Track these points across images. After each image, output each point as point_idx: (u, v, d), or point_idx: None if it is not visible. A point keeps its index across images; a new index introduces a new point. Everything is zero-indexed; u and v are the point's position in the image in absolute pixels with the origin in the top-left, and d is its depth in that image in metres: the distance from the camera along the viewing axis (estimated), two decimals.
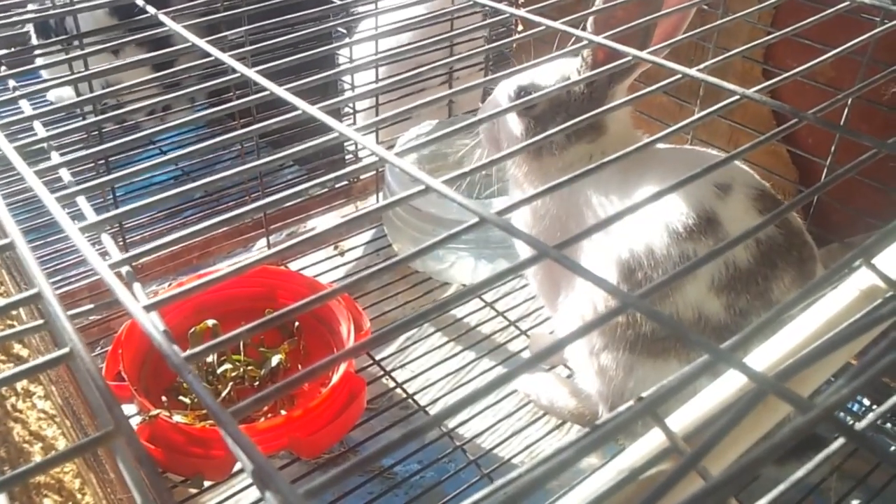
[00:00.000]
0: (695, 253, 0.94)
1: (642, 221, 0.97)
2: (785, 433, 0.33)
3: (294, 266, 1.56)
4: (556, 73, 1.13)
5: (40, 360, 0.38)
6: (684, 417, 0.51)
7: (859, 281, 0.58)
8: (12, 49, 0.86)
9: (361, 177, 1.81)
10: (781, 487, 0.38)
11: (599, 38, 0.68)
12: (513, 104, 0.62)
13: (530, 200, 0.47)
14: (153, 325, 0.39)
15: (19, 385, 0.68)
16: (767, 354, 0.54)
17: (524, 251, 1.23)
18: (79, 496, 0.61)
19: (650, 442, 0.49)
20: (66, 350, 0.38)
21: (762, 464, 0.33)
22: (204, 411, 1.16)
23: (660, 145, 1.14)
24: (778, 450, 0.33)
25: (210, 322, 1.25)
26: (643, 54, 0.62)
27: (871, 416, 0.42)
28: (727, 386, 0.52)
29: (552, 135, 0.54)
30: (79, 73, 0.72)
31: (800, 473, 0.38)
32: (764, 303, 0.94)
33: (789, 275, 0.96)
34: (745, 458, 0.34)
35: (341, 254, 1.72)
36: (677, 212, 0.96)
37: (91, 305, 0.47)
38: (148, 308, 0.40)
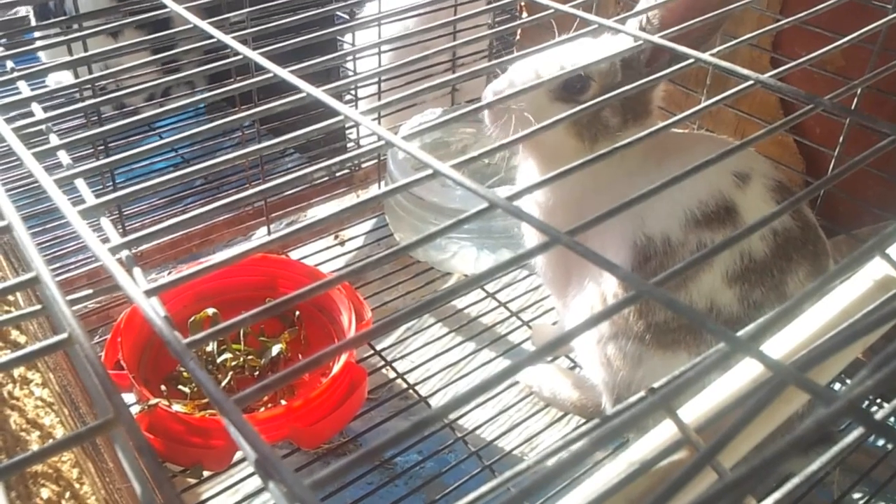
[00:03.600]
0: (712, 242, 0.93)
1: (658, 207, 0.96)
2: (808, 425, 0.32)
3: (294, 256, 1.55)
4: (577, 57, 1.01)
5: (38, 345, 0.37)
6: (696, 409, 0.50)
7: (873, 271, 0.57)
8: (10, 31, 0.85)
9: (363, 165, 1.79)
10: (796, 480, 0.37)
11: (609, 22, 0.66)
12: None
13: (543, 185, 0.46)
14: (154, 310, 0.38)
15: (16, 372, 0.67)
16: (781, 345, 0.53)
17: (532, 241, 1.20)
18: (77, 486, 0.60)
19: (661, 434, 0.48)
20: (64, 335, 0.37)
21: (784, 458, 0.32)
22: (204, 400, 1.15)
23: (676, 131, 1.10)
24: (801, 442, 0.32)
25: (210, 311, 1.24)
26: (655, 38, 0.61)
27: (888, 406, 0.41)
28: (738, 377, 0.51)
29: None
30: (77, 56, 0.70)
31: (814, 466, 0.37)
32: (778, 295, 0.93)
33: (804, 268, 0.95)
34: (766, 452, 0.33)
35: (342, 243, 1.71)
36: (696, 199, 0.95)
37: (90, 290, 0.46)
38: (149, 293, 0.39)
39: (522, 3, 1.56)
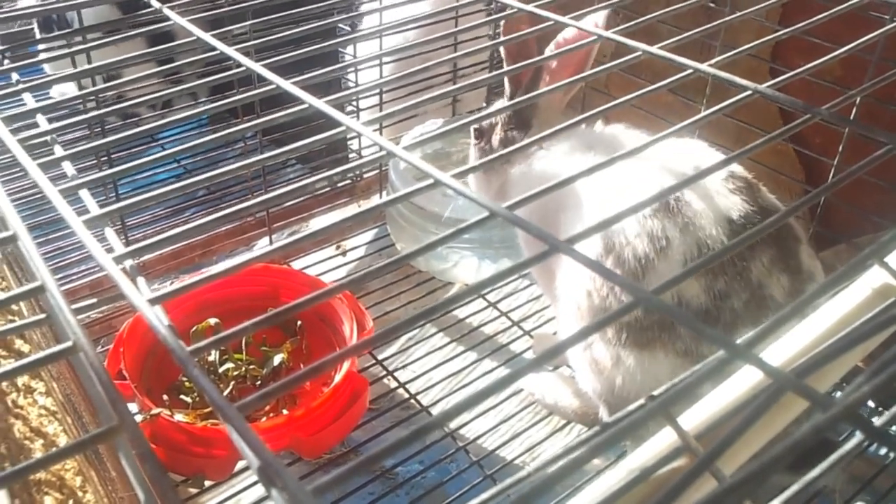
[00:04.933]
0: (662, 230, 0.94)
1: (615, 202, 0.96)
2: (805, 430, 0.32)
3: (296, 266, 1.56)
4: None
5: (42, 353, 0.37)
6: (695, 416, 0.50)
7: (872, 279, 0.57)
8: (15, 44, 0.85)
9: (365, 175, 1.80)
10: (795, 487, 0.37)
11: (608, 34, 0.67)
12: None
13: (541, 195, 0.46)
14: (158, 318, 0.38)
15: (20, 381, 0.67)
16: (779, 352, 0.53)
17: (526, 246, 1.24)
18: (80, 494, 0.60)
19: (661, 441, 0.48)
20: (69, 343, 0.37)
21: (781, 463, 0.32)
22: (206, 410, 1.15)
23: (618, 127, 1.19)
24: (797, 447, 0.32)
25: (212, 320, 1.24)
26: (654, 49, 0.62)
27: (888, 413, 0.41)
28: (737, 384, 0.51)
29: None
30: (81, 68, 0.71)
31: (815, 473, 0.37)
32: (744, 283, 0.92)
33: (768, 254, 0.94)
34: (761, 458, 0.33)
35: (343, 254, 1.71)
36: (644, 190, 0.94)
37: (94, 300, 0.47)
38: (153, 301, 0.39)
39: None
